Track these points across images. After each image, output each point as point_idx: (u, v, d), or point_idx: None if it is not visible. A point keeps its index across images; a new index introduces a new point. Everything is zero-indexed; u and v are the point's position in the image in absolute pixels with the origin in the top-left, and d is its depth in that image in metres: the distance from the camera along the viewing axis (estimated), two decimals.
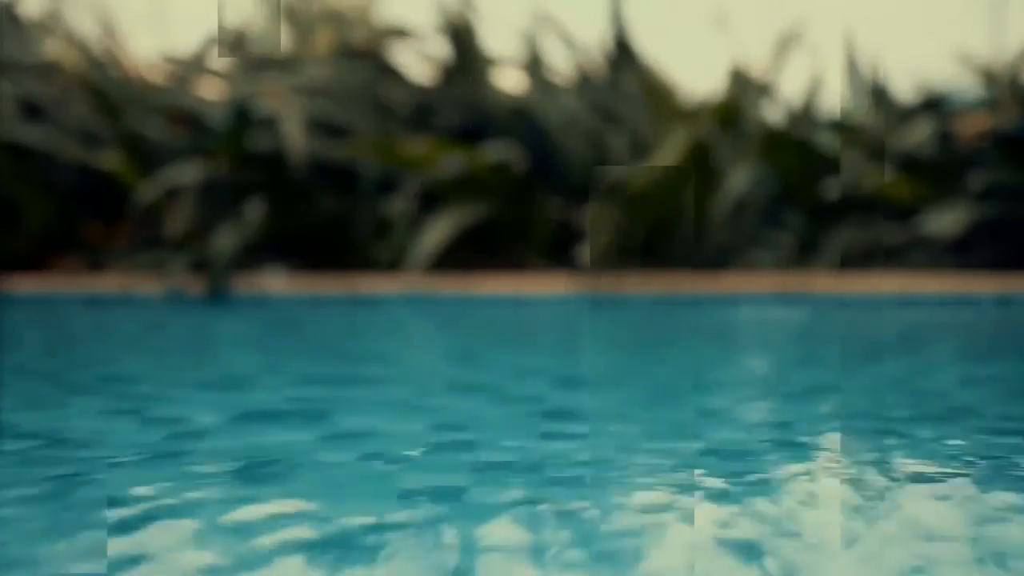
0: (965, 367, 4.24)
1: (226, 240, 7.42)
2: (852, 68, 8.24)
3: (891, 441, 2.46)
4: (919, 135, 8.00)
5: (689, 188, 7.70)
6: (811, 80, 8.16)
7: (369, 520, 1.77)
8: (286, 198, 7.78)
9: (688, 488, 2.00)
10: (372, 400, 3.25)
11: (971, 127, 8.00)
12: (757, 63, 8.14)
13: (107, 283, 7.44)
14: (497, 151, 7.75)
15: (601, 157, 7.95)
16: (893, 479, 2.06)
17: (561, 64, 8.34)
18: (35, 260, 7.73)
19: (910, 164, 7.92)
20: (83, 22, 8.29)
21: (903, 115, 8.29)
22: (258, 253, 7.68)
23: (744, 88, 8.07)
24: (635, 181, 7.62)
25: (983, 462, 2.22)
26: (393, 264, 7.56)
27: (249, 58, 8.31)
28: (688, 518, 1.82)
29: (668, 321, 6.64)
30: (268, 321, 6.46)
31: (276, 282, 7.48)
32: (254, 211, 7.59)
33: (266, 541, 1.65)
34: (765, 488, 2.00)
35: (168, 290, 7.28)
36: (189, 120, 8.04)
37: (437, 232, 7.46)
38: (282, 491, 1.97)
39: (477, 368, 4.22)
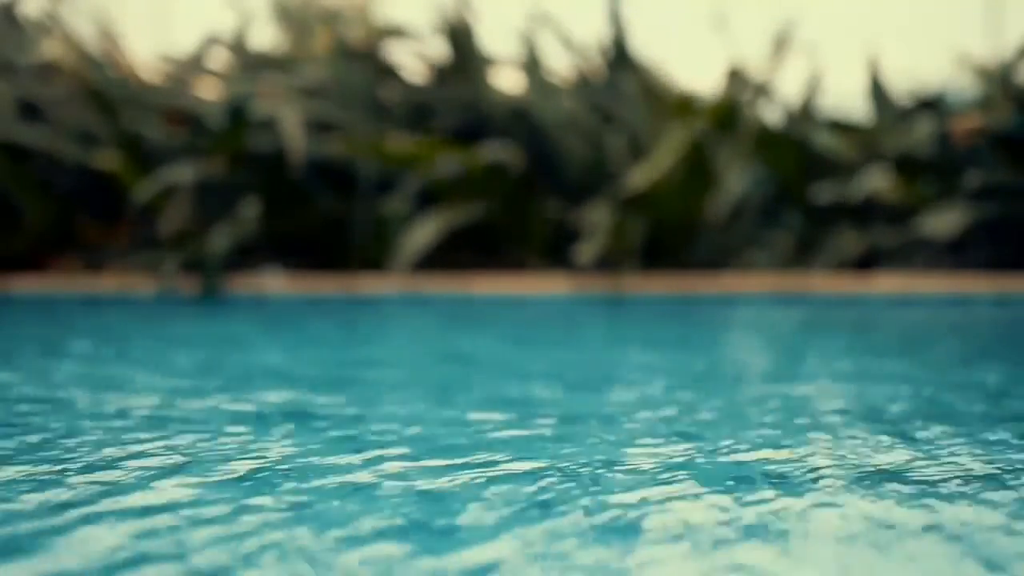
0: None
1: (219, 240, 7.42)
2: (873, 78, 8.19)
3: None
4: (917, 135, 8.00)
5: (687, 188, 7.70)
6: (809, 80, 8.16)
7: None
8: (284, 198, 7.78)
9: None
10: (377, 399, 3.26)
11: (964, 124, 8.00)
12: (755, 63, 8.14)
13: (105, 283, 7.44)
14: (495, 151, 7.75)
15: (599, 157, 7.95)
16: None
17: (559, 64, 8.34)
18: (33, 260, 7.72)
19: (908, 164, 7.92)
20: (81, 23, 8.29)
21: (901, 115, 8.29)
22: (256, 253, 7.68)
23: (742, 88, 8.07)
24: (634, 182, 7.62)
25: None
26: (387, 265, 7.56)
27: (247, 58, 8.30)
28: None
29: (669, 320, 6.64)
30: (266, 321, 6.46)
31: (275, 282, 7.48)
32: (249, 210, 7.58)
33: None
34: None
35: (163, 290, 7.28)
36: (187, 120, 8.03)
37: (424, 232, 7.45)
38: None
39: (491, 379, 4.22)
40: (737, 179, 7.72)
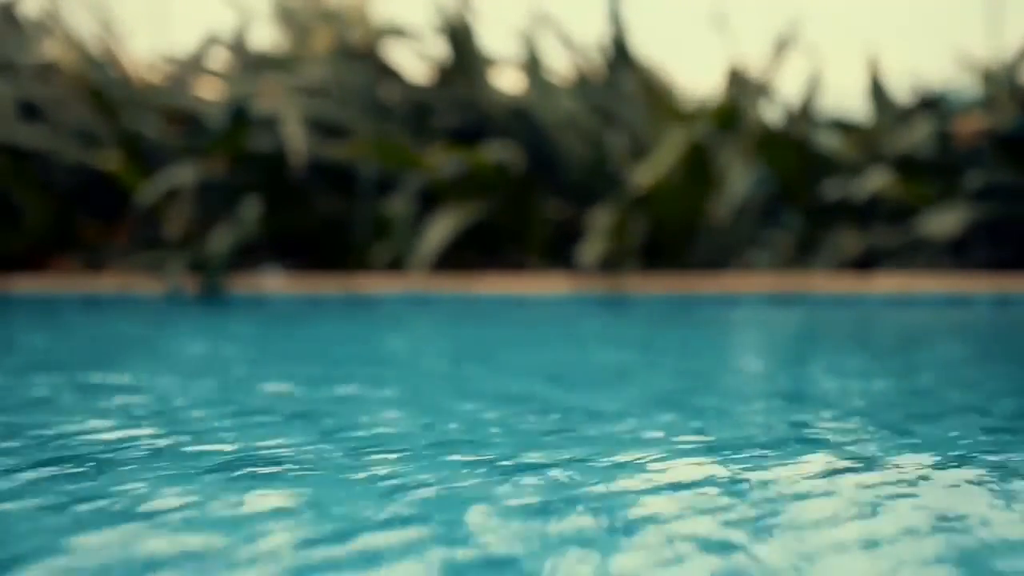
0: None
1: (222, 240, 7.42)
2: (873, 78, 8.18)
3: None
4: (917, 135, 8.00)
5: (688, 189, 7.69)
6: (809, 80, 8.15)
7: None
8: (284, 198, 7.78)
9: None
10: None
11: (968, 126, 8.00)
12: (755, 63, 8.13)
13: (106, 283, 7.44)
14: (496, 151, 7.75)
15: (600, 158, 7.95)
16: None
17: (559, 64, 8.34)
18: (33, 260, 7.72)
19: (908, 164, 7.92)
20: (81, 22, 8.28)
21: (901, 115, 8.28)
22: (256, 253, 7.68)
23: (742, 88, 8.06)
24: (638, 182, 7.62)
25: None
26: (394, 265, 7.55)
27: (247, 58, 8.29)
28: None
29: (670, 320, 6.64)
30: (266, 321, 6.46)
31: (274, 282, 7.48)
32: (250, 211, 7.58)
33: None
34: None
35: (167, 290, 7.27)
36: (187, 120, 8.03)
37: (439, 231, 7.44)
38: None
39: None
40: (739, 179, 7.71)
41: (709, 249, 7.75)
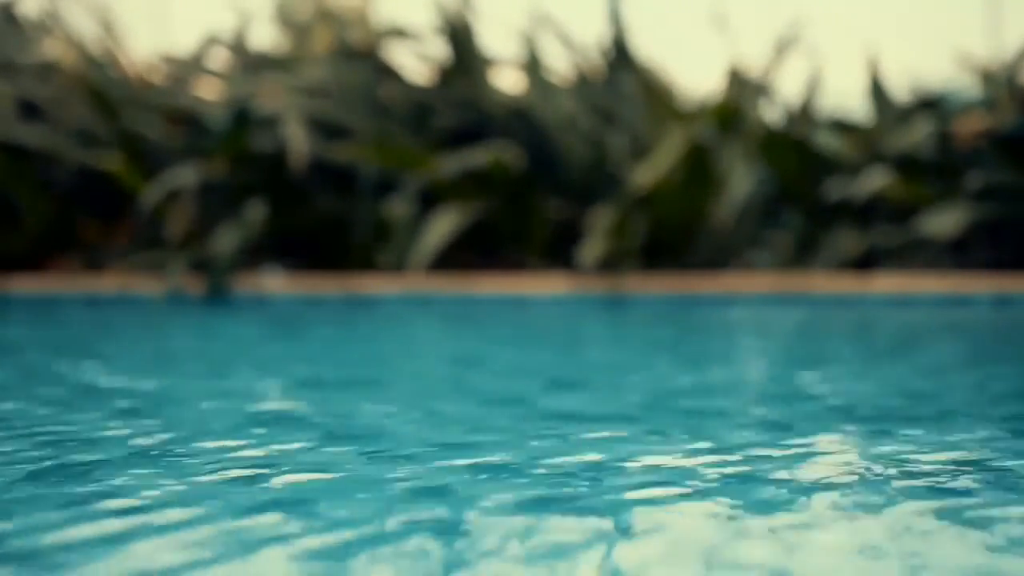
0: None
1: (226, 240, 7.42)
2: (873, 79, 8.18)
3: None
4: (917, 135, 8.00)
5: (688, 189, 7.69)
6: (809, 80, 8.15)
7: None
8: (285, 199, 7.78)
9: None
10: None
11: (968, 126, 8.00)
12: (755, 64, 8.13)
13: (106, 283, 7.44)
14: (496, 152, 7.75)
15: (600, 158, 7.95)
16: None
17: (560, 64, 8.34)
18: (34, 260, 7.72)
19: (908, 164, 7.92)
20: (82, 22, 8.28)
21: (901, 115, 8.28)
22: (257, 253, 7.68)
23: (743, 89, 8.06)
24: (638, 182, 7.62)
25: None
26: (395, 265, 7.55)
27: (247, 58, 8.30)
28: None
29: (671, 320, 6.65)
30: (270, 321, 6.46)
31: (275, 282, 7.48)
32: (254, 212, 7.58)
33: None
34: None
35: (169, 290, 7.27)
36: (188, 120, 8.03)
37: (438, 231, 7.45)
38: None
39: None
40: (740, 180, 7.71)
41: (709, 249, 7.75)
